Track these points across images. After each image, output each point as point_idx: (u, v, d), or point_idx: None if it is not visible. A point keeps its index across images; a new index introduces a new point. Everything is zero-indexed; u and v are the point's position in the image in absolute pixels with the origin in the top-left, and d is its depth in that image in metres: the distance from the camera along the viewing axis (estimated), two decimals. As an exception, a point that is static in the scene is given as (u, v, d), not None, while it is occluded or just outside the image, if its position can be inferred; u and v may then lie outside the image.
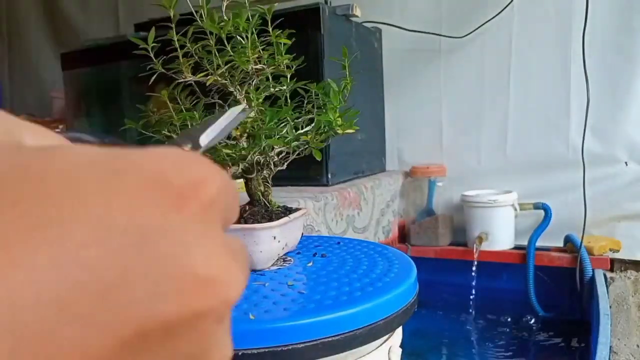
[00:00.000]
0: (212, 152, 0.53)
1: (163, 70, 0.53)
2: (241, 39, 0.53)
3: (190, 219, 0.14)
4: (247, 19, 0.52)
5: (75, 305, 0.13)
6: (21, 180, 0.13)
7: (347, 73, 0.59)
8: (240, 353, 0.42)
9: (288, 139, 0.54)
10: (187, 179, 0.15)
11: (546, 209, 1.55)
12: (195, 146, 0.23)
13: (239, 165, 0.54)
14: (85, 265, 0.13)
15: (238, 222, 0.55)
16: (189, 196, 0.15)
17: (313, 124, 0.57)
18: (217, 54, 0.53)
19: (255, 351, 0.42)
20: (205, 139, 0.23)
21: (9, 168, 0.14)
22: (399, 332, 0.55)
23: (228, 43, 0.52)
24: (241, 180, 0.57)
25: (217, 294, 0.14)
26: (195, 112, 0.52)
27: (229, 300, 0.15)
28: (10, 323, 0.12)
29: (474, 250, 1.53)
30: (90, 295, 0.13)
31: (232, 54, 0.52)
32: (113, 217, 0.13)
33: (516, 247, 1.58)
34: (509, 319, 1.54)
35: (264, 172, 0.58)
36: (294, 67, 0.59)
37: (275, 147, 0.54)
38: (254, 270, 0.56)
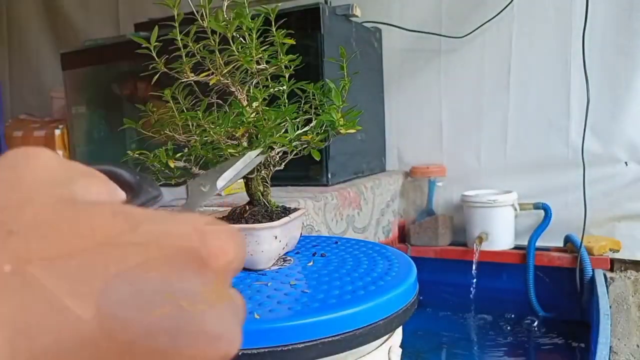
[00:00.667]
0: (216, 152, 0.53)
1: (165, 70, 0.53)
2: (242, 39, 0.53)
3: (209, 283, 0.18)
4: (252, 17, 0.52)
5: (124, 337, 0.16)
6: (79, 235, 0.17)
7: (345, 73, 0.59)
8: (240, 353, 0.42)
9: (289, 137, 0.54)
10: (211, 251, 0.18)
11: (546, 209, 1.55)
12: (213, 187, 0.25)
13: None
14: (132, 311, 0.16)
15: (239, 222, 0.55)
16: (210, 265, 0.18)
17: (313, 124, 0.57)
18: (219, 54, 0.52)
19: (255, 351, 0.42)
20: (221, 183, 0.26)
21: (67, 223, 0.17)
22: (399, 332, 0.55)
23: (233, 43, 0.52)
24: (241, 180, 0.57)
25: (220, 350, 0.18)
26: (198, 112, 0.51)
27: (228, 355, 0.18)
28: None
29: (474, 250, 1.53)
30: (137, 332, 0.16)
31: (237, 53, 0.52)
32: (148, 283, 0.17)
33: (516, 247, 1.58)
34: (509, 319, 1.54)
35: (263, 172, 0.58)
36: (293, 67, 0.59)
37: (276, 147, 0.54)
38: (255, 270, 0.56)
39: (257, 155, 0.35)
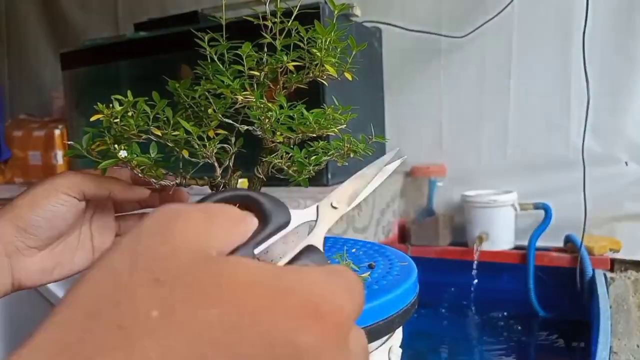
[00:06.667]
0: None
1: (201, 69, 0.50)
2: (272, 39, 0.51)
3: (328, 337, 0.19)
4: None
5: None
6: (218, 287, 0.19)
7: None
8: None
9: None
10: (331, 306, 0.20)
11: (546, 209, 1.55)
12: (250, 253, 0.26)
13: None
14: None
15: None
16: (330, 319, 0.20)
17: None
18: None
19: (255, 351, 0.42)
20: (257, 250, 0.27)
21: (207, 276, 0.19)
22: (399, 332, 0.55)
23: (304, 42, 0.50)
24: (243, 180, 0.57)
25: None
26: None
27: None
28: None
29: (474, 251, 1.53)
30: None
31: (319, 55, 0.50)
32: (275, 334, 0.18)
33: (516, 247, 1.58)
34: (509, 319, 1.54)
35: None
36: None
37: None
38: None
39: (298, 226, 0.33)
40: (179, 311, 0.18)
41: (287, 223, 0.31)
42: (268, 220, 0.29)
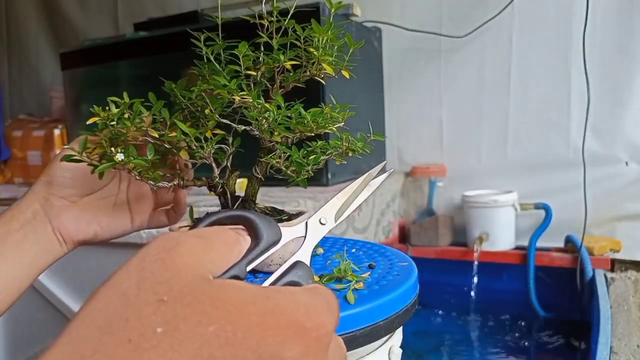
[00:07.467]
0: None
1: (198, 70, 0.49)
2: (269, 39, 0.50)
3: (310, 350, 0.22)
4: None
5: None
6: (215, 308, 0.21)
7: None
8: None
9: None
10: (313, 323, 0.22)
11: (547, 209, 1.55)
12: (243, 270, 0.28)
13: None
14: None
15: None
16: (312, 334, 0.22)
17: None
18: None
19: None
20: (249, 267, 0.29)
21: (206, 297, 0.21)
22: (399, 332, 0.55)
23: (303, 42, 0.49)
24: (242, 180, 0.56)
25: None
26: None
27: None
28: None
29: (475, 251, 1.53)
30: None
31: (316, 53, 0.49)
32: (265, 348, 0.21)
33: (517, 248, 1.58)
34: (510, 320, 1.54)
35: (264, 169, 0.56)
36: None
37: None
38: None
39: (288, 242, 0.35)
40: (181, 328, 0.20)
41: (277, 241, 0.32)
42: (260, 238, 0.31)
